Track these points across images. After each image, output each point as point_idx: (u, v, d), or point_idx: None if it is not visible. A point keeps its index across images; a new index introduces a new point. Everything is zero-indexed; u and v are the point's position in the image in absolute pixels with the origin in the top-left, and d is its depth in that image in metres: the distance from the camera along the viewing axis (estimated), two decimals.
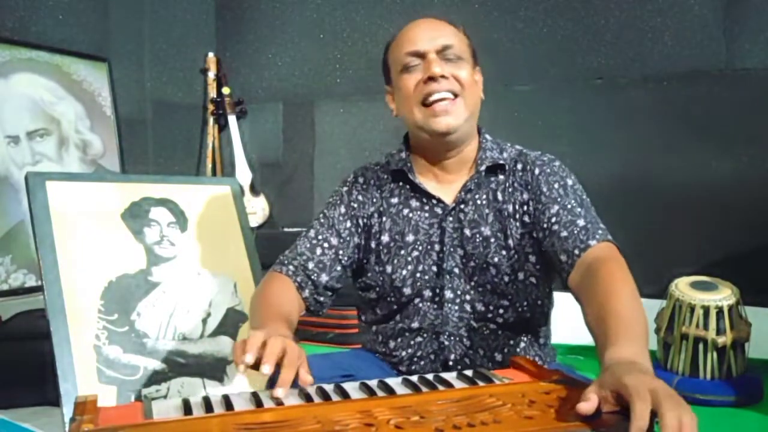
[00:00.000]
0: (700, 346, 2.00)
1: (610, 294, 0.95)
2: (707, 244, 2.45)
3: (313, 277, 1.21)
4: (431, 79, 1.15)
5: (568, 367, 1.23)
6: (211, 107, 3.38)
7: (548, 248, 1.14)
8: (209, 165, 3.40)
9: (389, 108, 1.29)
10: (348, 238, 1.24)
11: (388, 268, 1.22)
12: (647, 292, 2.30)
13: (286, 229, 3.21)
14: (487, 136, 1.27)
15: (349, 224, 1.25)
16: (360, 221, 1.26)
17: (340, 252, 1.23)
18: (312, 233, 1.25)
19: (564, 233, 1.11)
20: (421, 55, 1.18)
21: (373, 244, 1.24)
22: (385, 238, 1.23)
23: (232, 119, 3.32)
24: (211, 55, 3.39)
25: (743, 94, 2.43)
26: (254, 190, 3.34)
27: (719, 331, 1.98)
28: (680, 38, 2.53)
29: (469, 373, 0.94)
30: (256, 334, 0.88)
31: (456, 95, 1.17)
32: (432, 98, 1.16)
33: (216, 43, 3.44)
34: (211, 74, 3.38)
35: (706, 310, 1.99)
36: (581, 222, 1.12)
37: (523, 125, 2.76)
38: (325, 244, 1.23)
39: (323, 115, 3.26)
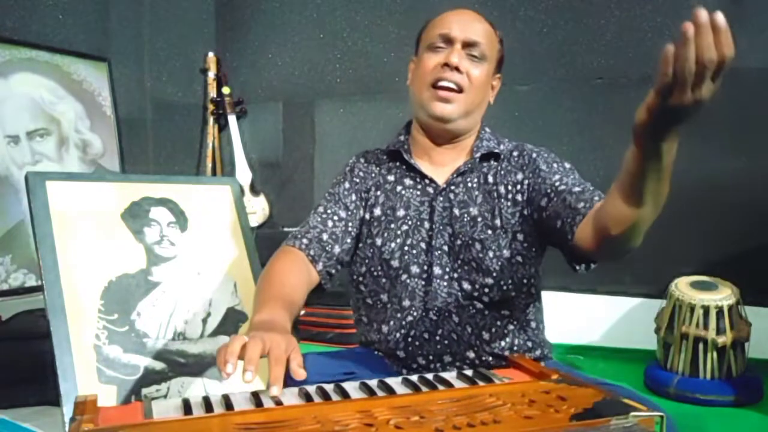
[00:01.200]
0: (700, 346, 2.00)
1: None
2: (707, 244, 2.45)
3: (327, 248, 1.24)
4: (446, 65, 1.22)
5: (567, 366, 1.23)
6: (211, 107, 3.38)
7: (556, 206, 1.16)
8: (209, 165, 3.40)
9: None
10: (355, 211, 1.29)
11: (378, 241, 1.25)
12: (647, 292, 2.31)
13: (286, 229, 3.21)
14: (487, 129, 1.33)
15: (354, 197, 1.30)
16: (362, 194, 1.31)
17: (349, 224, 1.28)
18: (321, 209, 1.30)
19: (577, 189, 1.15)
20: (449, 41, 1.23)
21: (367, 216, 1.29)
22: (377, 212, 1.28)
23: (232, 119, 3.32)
24: (211, 55, 3.39)
25: (743, 94, 2.43)
26: (254, 190, 3.34)
27: (719, 331, 1.98)
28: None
29: (469, 372, 0.94)
30: (235, 339, 0.86)
31: (461, 90, 1.22)
32: (440, 84, 1.22)
33: (216, 43, 3.44)
34: (211, 74, 3.38)
35: (706, 310, 1.99)
36: (591, 187, 1.16)
37: (523, 125, 2.76)
38: (335, 217, 1.28)
39: (323, 115, 3.26)
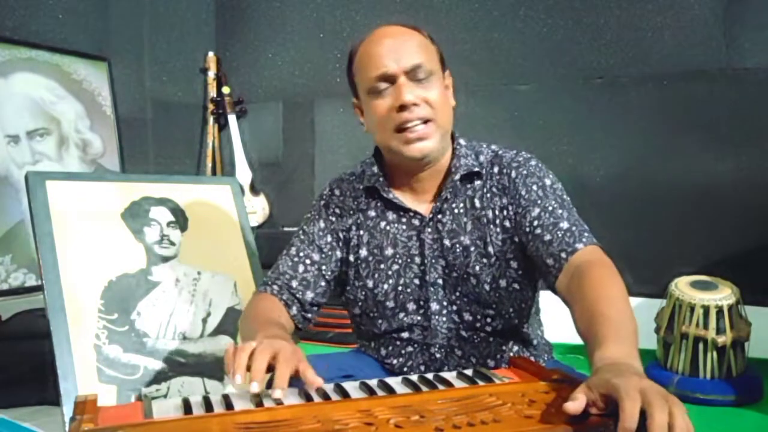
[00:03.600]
0: (700, 346, 2.00)
1: (599, 297, 0.94)
2: (707, 243, 2.45)
3: (298, 295, 1.20)
4: (403, 107, 1.11)
5: (567, 366, 1.23)
6: (211, 107, 3.38)
7: (532, 252, 1.12)
8: (209, 164, 3.40)
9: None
10: (330, 253, 1.23)
11: (369, 283, 1.20)
12: (647, 292, 2.31)
13: (286, 229, 3.21)
14: (461, 142, 1.23)
15: (329, 238, 1.24)
16: (340, 234, 1.24)
17: (323, 267, 1.22)
18: (293, 251, 1.23)
19: (548, 237, 1.09)
20: (390, 79, 1.12)
21: (351, 258, 1.22)
22: (363, 252, 1.21)
23: (232, 119, 3.32)
24: (211, 54, 3.39)
25: (743, 94, 2.43)
26: (254, 190, 3.34)
27: (719, 331, 1.98)
28: (680, 38, 2.53)
29: (469, 372, 0.94)
30: (244, 346, 0.85)
31: (429, 119, 1.13)
32: (405, 126, 1.12)
33: (216, 42, 3.44)
34: (211, 74, 3.38)
35: (706, 310, 1.99)
36: (564, 224, 1.10)
37: (523, 125, 2.76)
38: (307, 261, 1.22)
39: (323, 115, 3.26)
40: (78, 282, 1.47)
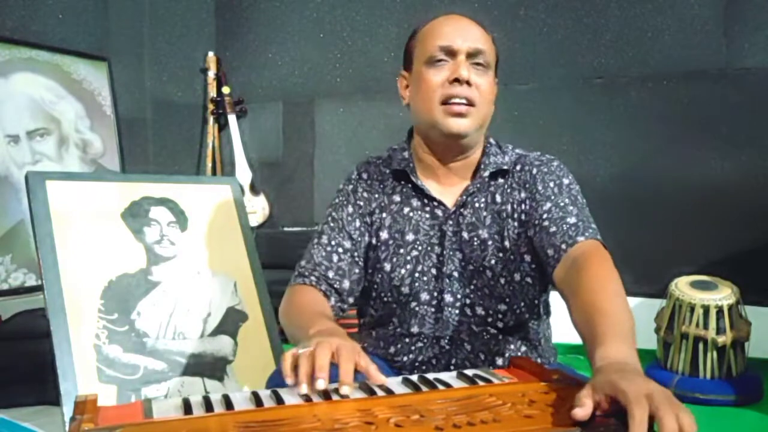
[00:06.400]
0: (700, 346, 2.00)
1: (596, 291, 0.95)
2: (707, 243, 2.45)
3: (335, 285, 1.20)
4: (456, 80, 1.14)
5: (568, 366, 1.23)
6: (211, 106, 3.38)
7: (537, 244, 1.14)
8: (209, 164, 3.40)
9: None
10: (359, 239, 1.23)
11: (387, 266, 1.21)
12: (647, 292, 2.31)
13: (286, 229, 3.21)
14: (492, 141, 1.27)
15: (358, 223, 1.24)
16: (367, 218, 1.25)
17: (355, 254, 1.23)
18: (325, 239, 1.24)
19: (553, 228, 1.12)
20: (452, 53, 1.16)
21: (373, 241, 1.24)
22: (384, 235, 1.23)
23: (232, 118, 3.32)
24: (211, 54, 3.39)
25: (743, 94, 2.43)
26: (254, 190, 3.34)
27: (719, 331, 1.98)
28: (680, 38, 2.53)
29: (469, 372, 0.94)
30: (304, 352, 0.84)
31: (473, 104, 1.16)
32: (452, 100, 1.15)
33: (216, 42, 3.44)
34: (211, 73, 3.38)
35: (706, 310, 1.99)
36: (571, 219, 1.12)
37: (523, 125, 2.76)
38: (340, 249, 1.22)
39: (323, 115, 3.26)
40: (78, 282, 1.47)
